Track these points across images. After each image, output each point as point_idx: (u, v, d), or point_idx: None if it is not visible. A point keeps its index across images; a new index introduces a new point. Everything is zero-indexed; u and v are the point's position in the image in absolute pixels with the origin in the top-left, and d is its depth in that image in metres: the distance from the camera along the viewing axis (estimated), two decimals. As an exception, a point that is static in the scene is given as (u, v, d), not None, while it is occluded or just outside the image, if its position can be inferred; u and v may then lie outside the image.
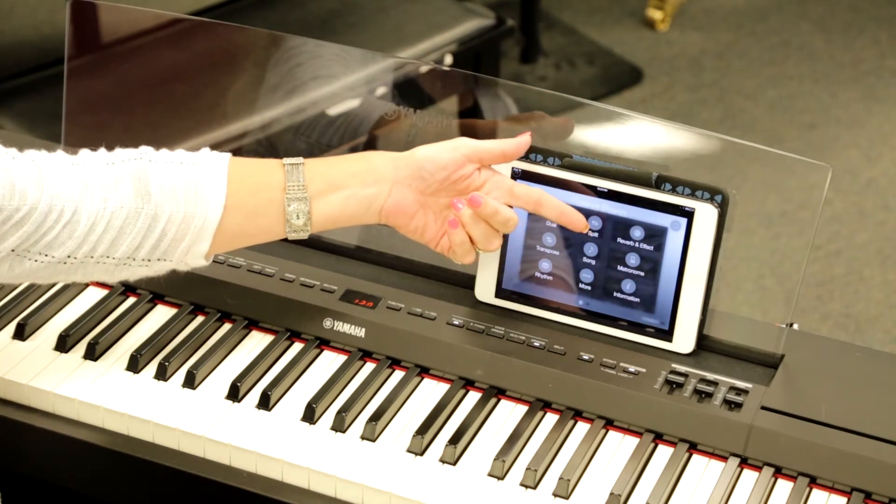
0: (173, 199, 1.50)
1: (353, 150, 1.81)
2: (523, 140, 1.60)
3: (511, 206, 1.60)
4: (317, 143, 1.87)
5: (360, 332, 1.66)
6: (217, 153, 1.54)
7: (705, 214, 1.58)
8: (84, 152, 1.52)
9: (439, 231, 1.60)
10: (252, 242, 1.57)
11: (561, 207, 1.60)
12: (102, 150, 1.53)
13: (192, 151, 1.55)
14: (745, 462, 1.55)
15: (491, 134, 1.69)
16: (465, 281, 1.70)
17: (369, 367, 1.66)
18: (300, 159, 1.55)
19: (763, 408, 1.56)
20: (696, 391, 1.58)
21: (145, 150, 1.53)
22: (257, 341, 1.69)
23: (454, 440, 1.55)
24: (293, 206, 1.54)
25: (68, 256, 1.48)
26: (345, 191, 1.56)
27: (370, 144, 1.81)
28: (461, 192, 1.59)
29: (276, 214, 1.54)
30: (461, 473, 1.53)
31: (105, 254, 1.50)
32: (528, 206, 1.60)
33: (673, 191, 1.60)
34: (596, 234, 1.63)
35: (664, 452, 1.56)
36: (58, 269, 1.50)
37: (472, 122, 1.74)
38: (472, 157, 1.58)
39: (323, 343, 1.68)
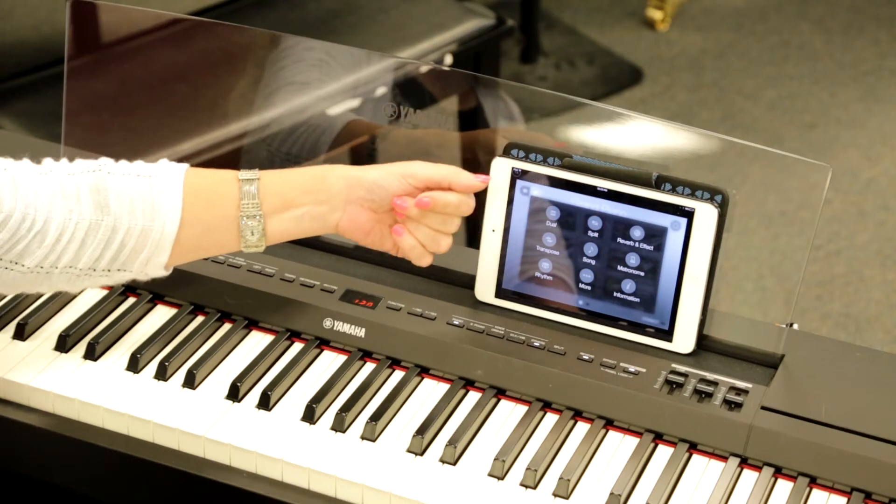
0: (131, 212, 1.52)
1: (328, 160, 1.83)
2: (478, 184, 1.59)
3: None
4: (277, 151, 1.87)
5: (360, 332, 1.66)
6: (175, 165, 1.55)
7: (705, 214, 1.58)
8: (47, 161, 1.54)
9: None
10: (209, 255, 1.59)
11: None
12: (64, 161, 1.55)
13: (173, 158, 1.56)
14: (745, 462, 1.55)
15: (487, 144, 1.70)
16: (465, 281, 1.70)
17: (369, 367, 1.66)
18: (256, 173, 1.56)
19: (763, 408, 1.56)
20: (696, 391, 1.58)
21: (104, 162, 1.54)
22: (257, 341, 1.69)
23: (454, 440, 1.55)
24: (247, 223, 1.55)
25: (37, 265, 1.50)
26: (299, 209, 1.56)
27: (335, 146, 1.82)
28: None
29: (230, 230, 1.55)
30: (461, 473, 1.53)
31: (69, 264, 1.52)
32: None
33: (673, 191, 1.60)
34: (596, 234, 1.63)
35: (664, 452, 1.56)
36: (25, 279, 1.52)
37: (471, 136, 1.75)
38: (421, 188, 1.58)
39: (323, 343, 1.68)
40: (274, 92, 1.88)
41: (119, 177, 1.52)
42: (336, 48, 1.90)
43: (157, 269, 1.55)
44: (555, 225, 1.64)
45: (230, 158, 1.92)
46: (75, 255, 1.51)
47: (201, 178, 1.55)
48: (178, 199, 1.52)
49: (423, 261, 1.61)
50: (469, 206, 1.60)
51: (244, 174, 1.55)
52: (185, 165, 1.56)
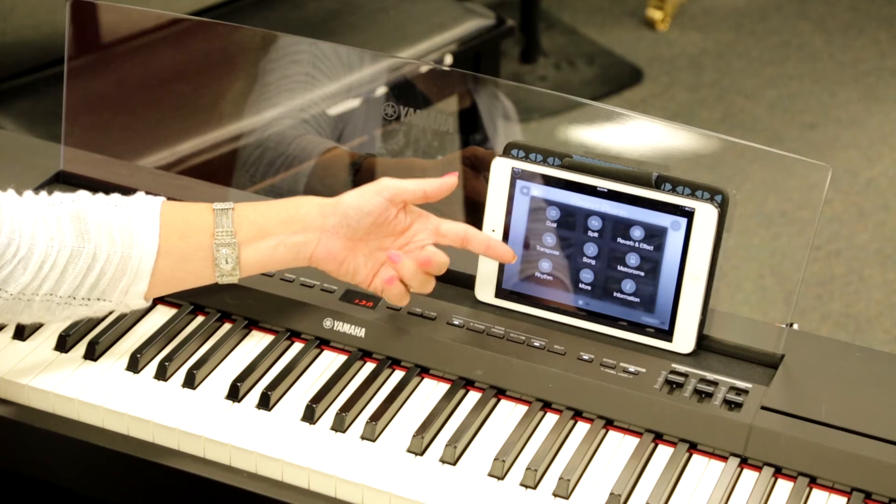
0: (110, 239, 1.53)
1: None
2: (448, 181, 1.60)
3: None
4: (254, 175, 1.88)
5: (360, 332, 1.66)
6: (151, 197, 1.57)
7: (705, 214, 1.59)
8: (27, 193, 1.56)
9: (370, 272, 1.61)
10: (185, 286, 1.59)
11: (488, 241, 1.61)
12: (43, 194, 1.56)
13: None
14: (745, 462, 1.55)
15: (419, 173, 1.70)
16: (465, 281, 1.70)
17: (369, 367, 1.66)
18: (230, 204, 1.57)
19: (763, 408, 1.56)
20: (696, 391, 1.58)
21: (82, 194, 1.56)
22: (257, 341, 1.69)
23: (454, 440, 1.55)
24: (221, 252, 1.56)
25: (20, 293, 1.51)
26: (273, 238, 1.57)
27: (313, 176, 1.83)
28: (389, 234, 1.60)
29: (205, 259, 1.56)
30: (461, 473, 1.53)
31: (49, 291, 1.53)
32: (456, 243, 1.61)
33: (673, 191, 1.60)
34: (596, 234, 1.63)
35: (664, 452, 1.56)
36: (6, 307, 1.52)
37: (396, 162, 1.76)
38: (395, 200, 1.59)
39: (323, 343, 1.68)
40: (268, 85, 1.88)
41: (97, 206, 1.54)
42: (333, 48, 1.90)
43: (136, 298, 1.56)
44: (555, 225, 1.64)
45: (228, 160, 1.93)
46: (56, 282, 1.52)
47: (177, 209, 1.57)
48: (155, 227, 1.54)
49: (402, 302, 1.62)
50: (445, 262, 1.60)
51: (219, 205, 1.57)
52: (162, 198, 1.58)
